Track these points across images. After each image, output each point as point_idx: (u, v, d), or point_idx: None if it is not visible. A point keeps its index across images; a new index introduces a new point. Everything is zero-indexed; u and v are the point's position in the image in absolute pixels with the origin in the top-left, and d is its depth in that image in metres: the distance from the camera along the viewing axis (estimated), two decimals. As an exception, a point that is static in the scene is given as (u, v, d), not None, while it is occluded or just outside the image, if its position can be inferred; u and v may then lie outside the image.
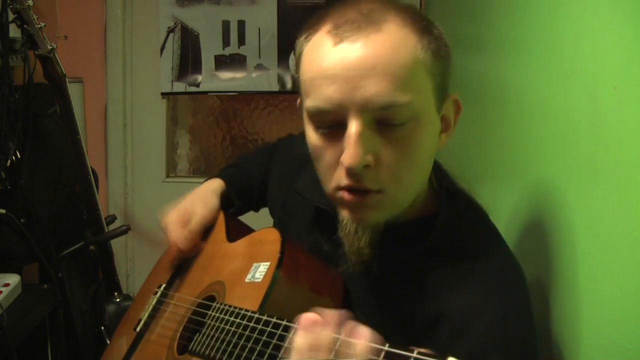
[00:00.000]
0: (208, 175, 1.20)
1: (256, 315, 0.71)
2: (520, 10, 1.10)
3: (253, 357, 0.67)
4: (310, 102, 0.72)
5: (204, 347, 0.78)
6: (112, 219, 1.85)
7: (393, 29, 0.69)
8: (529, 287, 0.78)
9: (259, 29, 2.29)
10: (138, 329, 1.00)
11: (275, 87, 2.32)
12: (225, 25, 2.30)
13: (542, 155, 0.95)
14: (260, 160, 1.16)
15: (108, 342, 1.55)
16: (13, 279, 1.49)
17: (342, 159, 0.69)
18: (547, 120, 0.93)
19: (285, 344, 0.63)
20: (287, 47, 2.27)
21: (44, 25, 1.53)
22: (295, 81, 0.79)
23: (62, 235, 1.80)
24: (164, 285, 1.03)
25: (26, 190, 1.66)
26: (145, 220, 2.35)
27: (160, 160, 2.43)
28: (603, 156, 0.74)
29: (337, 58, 0.69)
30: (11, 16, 1.54)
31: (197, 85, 2.33)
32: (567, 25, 0.87)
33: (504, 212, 1.09)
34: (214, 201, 1.04)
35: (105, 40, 2.32)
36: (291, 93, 2.32)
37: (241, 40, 2.30)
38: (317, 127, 0.73)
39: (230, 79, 2.32)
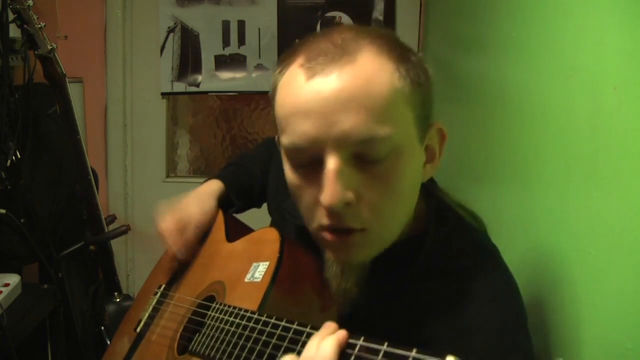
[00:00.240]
0: (208, 175, 1.19)
1: (255, 316, 0.71)
2: (521, 11, 1.11)
3: (253, 357, 0.67)
4: (285, 138, 0.70)
5: (204, 347, 0.78)
6: (112, 219, 1.85)
7: (368, 58, 0.66)
8: (529, 287, 0.78)
9: (259, 29, 2.29)
10: (138, 329, 1.00)
11: (275, 87, 2.31)
12: (225, 25, 2.30)
13: (542, 155, 0.95)
14: (260, 158, 1.15)
15: (108, 342, 1.55)
16: (13, 279, 1.49)
17: (321, 198, 0.66)
18: (548, 120, 0.93)
19: (285, 344, 0.63)
20: (287, 47, 2.25)
21: (44, 25, 1.53)
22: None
23: (62, 235, 1.80)
24: (163, 286, 1.03)
25: (26, 190, 1.66)
26: (145, 220, 2.35)
27: (160, 160, 2.43)
28: (603, 156, 0.74)
29: (311, 92, 0.66)
30: (11, 16, 1.54)
31: (197, 85, 2.33)
32: (567, 26, 0.87)
33: (504, 213, 1.09)
34: (211, 204, 1.03)
35: (105, 40, 2.32)
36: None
37: (241, 40, 2.30)
38: (295, 165, 0.71)
39: (230, 79, 2.32)
